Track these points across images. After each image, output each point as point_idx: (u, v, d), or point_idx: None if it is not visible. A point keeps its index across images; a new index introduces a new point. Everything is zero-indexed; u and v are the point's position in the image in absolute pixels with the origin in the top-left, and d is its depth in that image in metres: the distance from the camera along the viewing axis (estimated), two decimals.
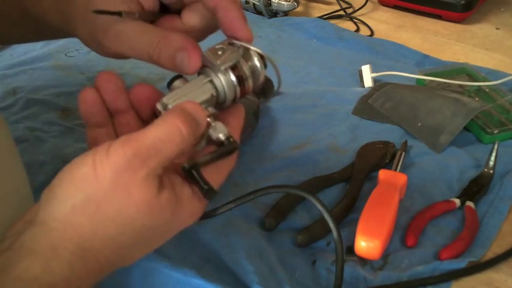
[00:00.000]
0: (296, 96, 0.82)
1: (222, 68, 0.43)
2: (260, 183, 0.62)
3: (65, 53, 0.91)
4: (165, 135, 0.37)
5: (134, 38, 0.45)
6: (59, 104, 0.78)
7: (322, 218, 0.52)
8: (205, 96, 0.43)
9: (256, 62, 0.45)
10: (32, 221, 0.36)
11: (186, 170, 0.39)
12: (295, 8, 1.06)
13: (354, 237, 0.55)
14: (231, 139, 0.42)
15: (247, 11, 1.09)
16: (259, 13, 1.08)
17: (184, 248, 0.55)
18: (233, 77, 0.43)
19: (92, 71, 0.87)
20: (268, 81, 0.79)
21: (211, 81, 0.43)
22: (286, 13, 1.08)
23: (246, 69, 0.44)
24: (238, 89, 0.44)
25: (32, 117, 0.75)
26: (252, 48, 0.44)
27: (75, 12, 0.48)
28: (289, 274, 0.54)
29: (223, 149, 0.42)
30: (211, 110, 0.42)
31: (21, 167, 0.46)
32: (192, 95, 0.42)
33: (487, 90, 0.81)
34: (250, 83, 0.45)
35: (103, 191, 0.35)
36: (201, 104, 0.42)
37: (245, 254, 0.54)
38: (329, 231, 0.52)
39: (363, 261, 0.56)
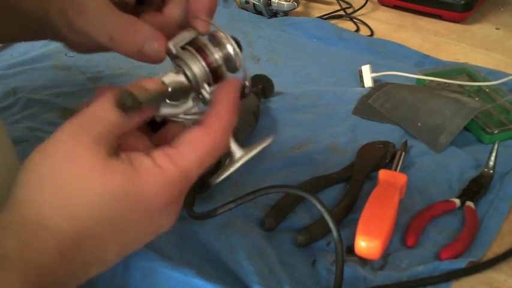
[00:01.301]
0: (296, 96, 0.82)
1: (177, 46, 0.43)
2: (260, 183, 0.62)
3: (65, 53, 0.91)
4: (104, 102, 0.37)
5: (100, 16, 0.45)
6: (59, 104, 0.78)
7: (322, 218, 0.53)
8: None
9: (225, 43, 0.44)
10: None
11: (116, 102, 0.38)
12: (295, 8, 1.06)
13: (354, 237, 0.55)
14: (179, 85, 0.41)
15: (247, 11, 1.10)
16: (259, 13, 1.08)
17: (184, 248, 0.55)
18: (196, 54, 0.43)
19: (92, 71, 0.87)
20: (268, 81, 0.80)
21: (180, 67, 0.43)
22: (286, 13, 1.08)
23: (213, 52, 0.44)
24: (205, 68, 0.43)
25: (32, 117, 0.75)
26: (220, 30, 0.44)
27: None
28: (289, 274, 0.54)
29: (173, 89, 0.40)
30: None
31: (10, 145, 0.46)
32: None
33: (487, 90, 0.81)
34: (223, 69, 0.44)
35: (52, 164, 0.36)
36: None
37: (245, 254, 0.54)
38: (329, 231, 0.52)
39: (363, 261, 0.56)
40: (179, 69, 0.43)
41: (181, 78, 0.43)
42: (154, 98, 0.39)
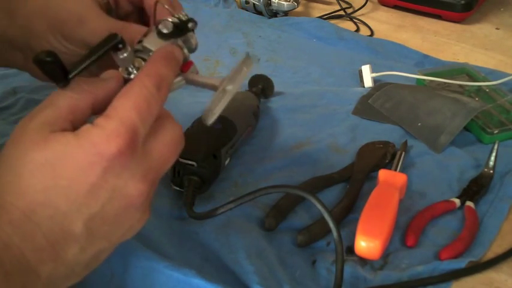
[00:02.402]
0: (296, 96, 0.82)
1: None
2: (260, 183, 0.62)
3: None
4: (53, 93, 0.38)
5: (99, 24, 0.47)
6: None
7: (322, 218, 0.53)
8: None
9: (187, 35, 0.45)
10: None
11: (36, 60, 0.37)
12: (295, 8, 1.06)
13: (354, 237, 0.55)
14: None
15: (247, 11, 1.10)
16: (259, 13, 1.08)
17: (184, 248, 0.55)
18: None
19: None
20: (268, 81, 0.80)
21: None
22: (286, 13, 1.08)
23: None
24: None
25: None
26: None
27: (31, 6, 0.50)
28: (289, 274, 0.54)
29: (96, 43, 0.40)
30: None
31: None
32: None
33: (487, 90, 0.81)
34: (185, 52, 0.45)
35: (3, 152, 0.37)
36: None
37: (245, 254, 0.54)
38: (329, 231, 0.52)
39: (363, 261, 0.56)
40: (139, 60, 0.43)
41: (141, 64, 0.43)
42: (86, 57, 0.39)
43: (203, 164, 0.59)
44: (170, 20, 0.44)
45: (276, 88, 0.81)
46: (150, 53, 0.43)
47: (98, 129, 0.37)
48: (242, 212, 0.59)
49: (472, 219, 0.59)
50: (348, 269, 0.54)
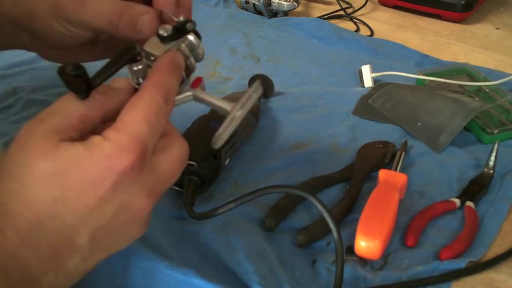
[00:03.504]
0: (296, 96, 0.82)
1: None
2: (260, 183, 0.62)
3: None
4: (65, 97, 0.38)
5: (100, 5, 0.47)
6: None
7: (322, 218, 0.53)
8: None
9: (191, 38, 0.46)
10: None
11: (60, 71, 0.37)
12: (295, 8, 1.06)
13: (354, 237, 0.55)
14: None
15: (247, 11, 1.10)
16: (259, 13, 1.08)
17: (184, 248, 0.55)
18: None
19: (91, 71, 0.86)
20: (268, 81, 0.80)
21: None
22: (286, 13, 1.08)
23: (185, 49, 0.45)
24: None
25: (32, 117, 0.75)
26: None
27: None
28: (289, 274, 0.54)
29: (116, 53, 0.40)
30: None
31: None
32: None
33: (487, 90, 0.81)
34: (192, 61, 0.46)
35: (7, 156, 0.37)
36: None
37: (245, 254, 0.54)
38: (329, 231, 0.52)
39: (363, 261, 0.56)
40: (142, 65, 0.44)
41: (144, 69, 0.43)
42: (105, 69, 0.39)
43: (203, 164, 0.59)
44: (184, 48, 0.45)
45: (276, 88, 0.81)
46: (152, 57, 0.43)
47: (110, 143, 0.37)
48: (242, 212, 0.59)
49: (472, 219, 0.59)
50: (348, 269, 0.54)
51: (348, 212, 0.61)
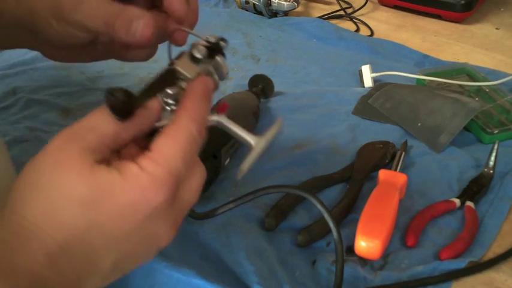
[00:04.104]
0: (296, 96, 0.82)
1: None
2: (260, 183, 0.62)
3: None
4: (99, 114, 0.38)
5: (96, 6, 0.47)
6: (59, 104, 0.78)
7: (322, 218, 0.53)
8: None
9: (218, 59, 0.45)
10: None
11: (107, 104, 0.37)
12: (295, 8, 1.06)
13: (354, 237, 0.55)
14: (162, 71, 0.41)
15: (247, 11, 1.10)
16: (259, 13, 1.08)
17: (184, 248, 0.55)
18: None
19: (91, 71, 0.87)
20: (268, 81, 0.80)
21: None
22: (286, 13, 1.08)
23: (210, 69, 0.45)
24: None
25: (32, 117, 0.75)
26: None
27: None
28: (289, 274, 0.54)
29: (153, 79, 0.40)
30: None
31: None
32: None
33: (487, 90, 0.81)
34: (216, 79, 0.45)
35: (38, 170, 0.36)
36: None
37: (245, 254, 0.54)
38: (329, 231, 0.53)
39: (363, 261, 0.56)
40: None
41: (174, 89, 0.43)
42: (146, 92, 0.39)
43: (203, 164, 0.59)
44: (200, 43, 0.44)
45: (276, 88, 0.81)
46: (182, 76, 0.42)
47: (147, 176, 0.37)
48: (242, 212, 0.59)
49: (472, 219, 0.59)
50: (348, 269, 0.54)
51: (348, 212, 0.61)
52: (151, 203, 0.37)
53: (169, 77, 0.41)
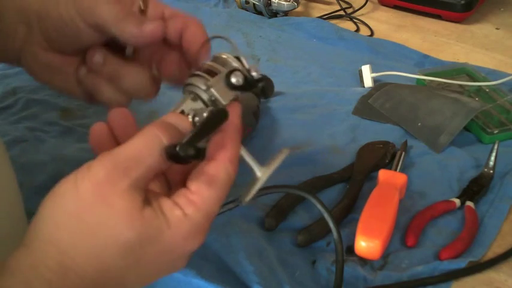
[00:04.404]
0: (296, 96, 0.82)
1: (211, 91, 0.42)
2: None
3: None
4: (144, 144, 0.37)
5: (108, 6, 0.46)
6: (59, 104, 0.78)
7: (322, 218, 0.53)
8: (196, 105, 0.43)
9: (230, 62, 0.44)
10: (20, 245, 0.36)
11: (169, 154, 0.36)
12: (295, 8, 1.06)
13: (354, 237, 0.55)
14: (214, 110, 0.39)
15: (247, 11, 1.10)
16: (259, 13, 1.08)
17: None
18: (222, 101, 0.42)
19: None
20: (268, 81, 0.80)
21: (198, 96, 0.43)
22: (286, 13, 1.08)
23: (221, 69, 0.44)
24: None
25: (32, 117, 0.75)
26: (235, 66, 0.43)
27: None
28: (289, 274, 0.54)
29: (207, 118, 0.39)
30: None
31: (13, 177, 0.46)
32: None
33: (487, 90, 0.81)
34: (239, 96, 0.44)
35: (84, 204, 0.35)
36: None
37: (245, 254, 0.54)
38: (329, 231, 0.52)
39: (363, 261, 0.56)
40: (193, 95, 0.42)
41: (199, 104, 0.42)
42: (198, 135, 0.38)
43: None
44: (240, 69, 0.42)
45: (276, 88, 0.81)
46: (212, 97, 0.42)
47: (189, 223, 0.37)
48: (242, 212, 0.59)
49: (472, 219, 0.59)
50: (348, 269, 0.54)
51: (348, 212, 0.61)
52: (188, 248, 0.39)
53: (222, 119, 0.39)
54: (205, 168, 0.39)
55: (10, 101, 0.78)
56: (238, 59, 0.44)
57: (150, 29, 0.45)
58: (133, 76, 0.48)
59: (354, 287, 0.53)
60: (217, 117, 0.39)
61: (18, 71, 0.87)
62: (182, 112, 0.42)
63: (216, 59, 0.44)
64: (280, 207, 0.60)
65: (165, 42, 0.49)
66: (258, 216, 0.60)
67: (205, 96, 0.42)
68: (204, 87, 0.42)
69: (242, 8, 1.10)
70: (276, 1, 1.05)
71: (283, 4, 1.05)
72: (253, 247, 0.55)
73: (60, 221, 0.35)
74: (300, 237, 0.57)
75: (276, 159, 0.44)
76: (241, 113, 0.43)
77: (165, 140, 0.37)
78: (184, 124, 0.40)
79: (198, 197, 0.38)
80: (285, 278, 0.52)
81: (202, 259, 0.55)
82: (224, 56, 0.44)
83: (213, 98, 0.42)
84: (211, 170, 0.39)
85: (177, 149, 0.35)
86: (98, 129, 0.41)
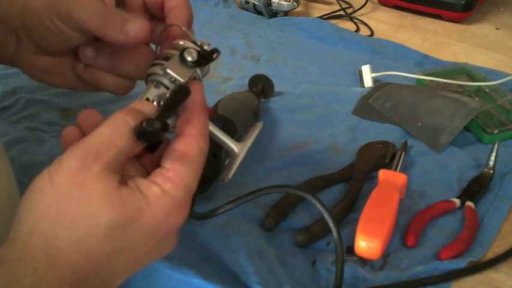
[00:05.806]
0: (296, 96, 0.82)
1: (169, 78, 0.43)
2: (260, 183, 0.62)
3: None
4: (112, 129, 0.37)
5: (90, 2, 0.46)
6: (59, 104, 0.78)
7: (322, 218, 0.53)
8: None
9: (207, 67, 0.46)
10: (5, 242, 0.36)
11: (137, 131, 0.37)
12: (295, 8, 1.06)
13: (354, 237, 0.55)
14: (175, 87, 0.41)
15: (247, 11, 1.10)
16: (259, 13, 1.08)
17: (184, 248, 0.55)
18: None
19: None
20: (268, 81, 0.80)
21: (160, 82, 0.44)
22: (286, 13, 1.08)
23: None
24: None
25: (32, 117, 0.75)
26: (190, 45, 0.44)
27: None
28: (289, 274, 0.54)
29: (169, 95, 0.40)
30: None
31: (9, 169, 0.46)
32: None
33: (487, 90, 0.81)
34: (199, 74, 0.45)
35: (60, 195, 0.35)
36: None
37: (245, 254, 0.54)
38: (329, 231, 0.52)
39: (363, 261, 0.56)
40: (155, 83, 0.43)
41: (162, 90, 0.43)
42: (162, 111, 0.39)
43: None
44: (192, 46, 0.44)
45: (276, 88, 0.81)
46: (172, 79, 0.43)
47: (169, 199, 0.38)
48: (242, 212, 0.59)
49: (472, 219, 0.59)
50: (348, 269, 0.54)
51: (348, 212, 0.61)
52: (172, 224, 0.39)
53: (184, 95, 0.40)
54: (175, 145, 0.40)
55: (10, 101, 0.78)
56: (194, 43, 0.45)
57: (134, 31, 0.45)
58: (130, 60, 0.48)
59: (354, 287, 0.53)
60: (179, 93, 0.40)
61: (18, 71, 0.86)
62: (147, 100, 0.43)
63: (174, 46, 0.45)
64: (280, 207, 0.60)
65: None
66: (258, 216, 0.60)
67: (165, 81, 0.43)
68: (161, 72, 0.43)
69: (242, 8, 1.10)
70: (276, 1, 1.05)
71: (283, 4, 1.05)
72: (253, 247, 0.55)
73: (40, 213, 0.35)
74: (300, 237, 0.57)
75: (251, 134, 0.45)
76: (204, 92, 0.44)
77: (132, 123, 0.38)
78: (150, 108, 0.41)
79: (174, 173, 0.38)
80: (285, 278, 0.53)
81: (202, 259, 0.55)
82: (181, 43, 0.45)
83: (172, 80, 0.43)
84: (182, 145, 0.40)
85: (144, 124, 0.37)
86: (69, 132, 0.42)
